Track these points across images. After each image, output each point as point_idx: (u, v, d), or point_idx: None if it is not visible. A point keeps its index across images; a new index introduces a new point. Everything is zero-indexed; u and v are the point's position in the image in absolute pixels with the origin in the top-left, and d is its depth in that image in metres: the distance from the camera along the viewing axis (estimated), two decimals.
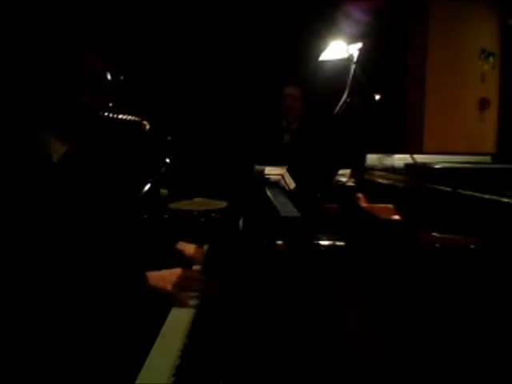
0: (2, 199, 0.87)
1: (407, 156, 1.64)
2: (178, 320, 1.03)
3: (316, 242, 0.89)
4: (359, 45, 1.82)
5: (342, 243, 0.89)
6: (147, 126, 1.51)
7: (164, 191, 1.99)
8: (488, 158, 1.87)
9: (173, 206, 2.00)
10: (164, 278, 1.12)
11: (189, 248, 1.43)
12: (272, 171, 1.70)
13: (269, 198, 1.27)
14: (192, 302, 1.11)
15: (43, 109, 1.00)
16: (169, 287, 1.10)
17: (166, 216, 1.92)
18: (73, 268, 0.91)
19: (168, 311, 1.07)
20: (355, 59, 1.77)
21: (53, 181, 0.94)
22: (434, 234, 0.88)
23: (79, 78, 1.04)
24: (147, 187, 1.66)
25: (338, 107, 1.69)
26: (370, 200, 1.16)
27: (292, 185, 1.66)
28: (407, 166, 1.42)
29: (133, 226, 1.30)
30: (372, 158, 1.64)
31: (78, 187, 1.01)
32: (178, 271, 1.17)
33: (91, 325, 0.88)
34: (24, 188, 0.88)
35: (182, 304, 1.10)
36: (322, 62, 2.30)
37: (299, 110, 2.94)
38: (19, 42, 0.96)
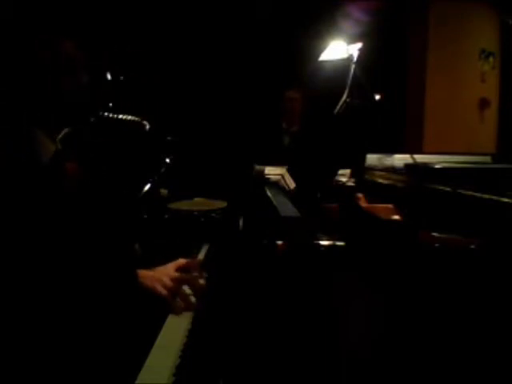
0: None
1: (407, 156, 1.64)
2: (178, 320, 1.03)
3: (316, 241, 0.89)
4: (359, 45, 1.82)
5: (342, 243, 0.89)
6: (147, 126, 1.52)
7: (164, 191, 1.99)
8: (488, 158, 1.86)
9: (173, 205, 2.00)
10: (154, 277, 1.05)
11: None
12: (272, 171, 1.69)
13: (269, 197, 1.27)
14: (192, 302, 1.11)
15: (28, 102, 0.97)
16: (158, 288, 1.03)
17: (166, 216, 1.92)
18: (65, 267, 0.90)
19: (168, 310, 1.07)
20: (355, 59, 1.77)
21: (42, 180, 0.93)
22: (434, 234, 0.88)
23: (56, 64, 1.00)
24: (147, 187, 1.66)
25: (337, 107, 1.69)
26: (369, 200, 1.16)
27: (292, 185, 1.66)
28: (407, 165, 1.42)
29: (129, 225, 1.29)
30: (372, 158, 1.63)
31: (68, 187, 1.00)
32: (170, 270, 1.11)
33: (90, 324, 0.88)
34: (14, 188, 0.87)
35: (175, 311, 1.04)
36: (322, 62, 2.30)
37: (299, 112, 2.96)
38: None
